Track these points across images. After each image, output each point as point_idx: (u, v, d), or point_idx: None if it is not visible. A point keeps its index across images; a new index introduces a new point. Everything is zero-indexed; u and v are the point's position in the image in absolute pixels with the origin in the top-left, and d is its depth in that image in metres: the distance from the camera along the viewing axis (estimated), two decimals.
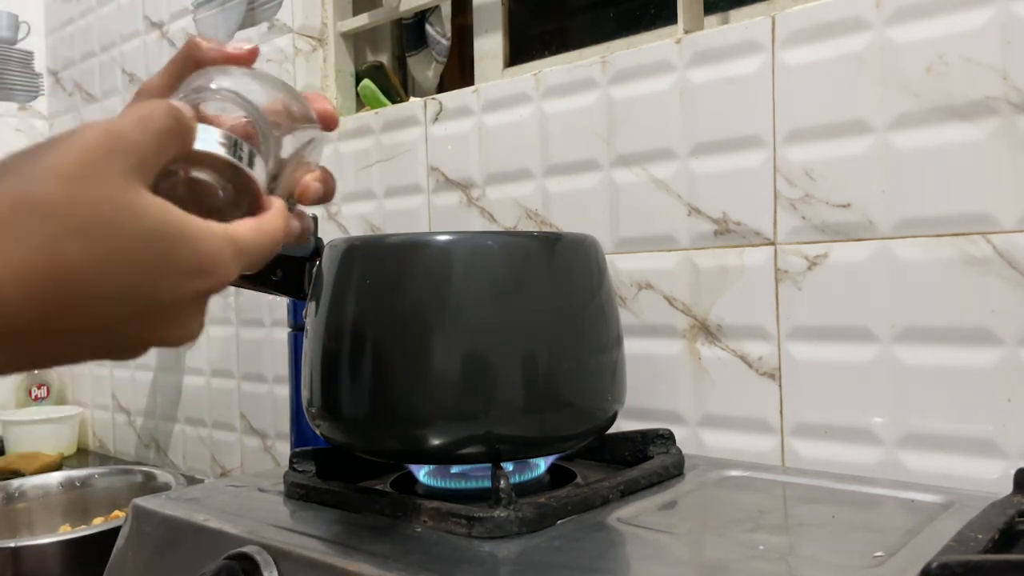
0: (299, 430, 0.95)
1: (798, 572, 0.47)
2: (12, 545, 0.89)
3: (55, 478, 1.17)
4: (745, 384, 0.76)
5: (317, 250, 0.87)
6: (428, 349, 0.57)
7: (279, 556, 0.52)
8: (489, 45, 1.15)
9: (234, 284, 0.47)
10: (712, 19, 0.93)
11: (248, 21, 1.24)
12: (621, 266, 0.84)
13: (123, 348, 0.35)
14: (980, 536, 0.46)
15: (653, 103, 0.82)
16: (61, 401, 1.69)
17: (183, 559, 0.59)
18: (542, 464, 0.67)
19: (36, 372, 1.65)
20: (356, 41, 1.28)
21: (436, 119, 1.02)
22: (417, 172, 1.04)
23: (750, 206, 0.75)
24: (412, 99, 1.09)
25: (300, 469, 0.67)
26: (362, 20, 1.21)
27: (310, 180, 0.45)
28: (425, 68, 1.28)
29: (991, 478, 0.63)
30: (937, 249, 0.66)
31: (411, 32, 1.29)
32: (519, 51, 1.15)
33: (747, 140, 0.75)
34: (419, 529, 0.54)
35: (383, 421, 0.58)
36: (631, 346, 0.70)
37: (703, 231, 0.78)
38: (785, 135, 0.73)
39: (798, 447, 0.73)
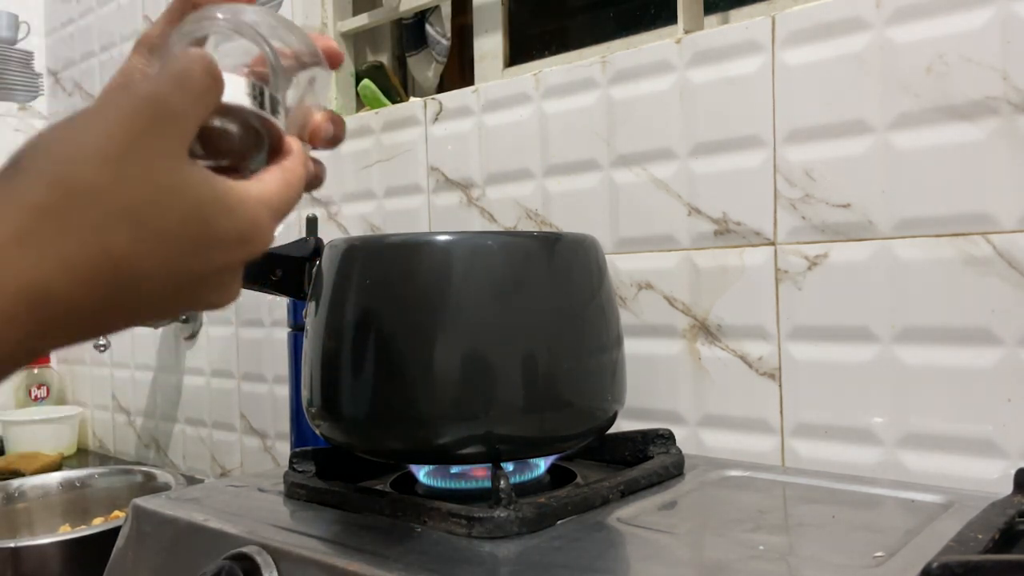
0: (299, 430, 0.95)
1: (798, 572, 0.47)
2: (12, 545, 0.89)
3: (55, 478, 1.17)
4: (745, 384, 0.76)
5: (317, 250, 0.87)
6: (428, 349, 0.57)
7: (279, 556, 0.52)
8: (489, 45, 1.15)
9: None
10: (712, 19, 0.93)
11: None
12: (621, 266, 0.84)
13: (168, 314, 0.36)
14: (980, 536, 0.46)
15: (653, 103, 0.82)
16: (61, 401, 1.69)
17: (183, 559, 0.59)
18: (542, 464, 0.67)
19: (36, 372, 1.65)
20: (356, 41, 1.28)
21: (436, 119, 1.02)
22: (417, 172, 1.04)
23: (750, 206, 0.75)
24: (412, 99, 1.09)
25: (300, 469, 0.67)
26: (362, 20, 1.21)
27: (321, 120, 0.44)
28: (425, 68, 1.28)
29: (991, 478, 0.63)
30: (937, 249, 0.66)
31: (411, 32, 1.29)
32: (519, 51, 1.15)
33: (747, 140, 0.75)
34: (419, 529, 0.54)
35: (383, 421, 0.58)
36: (631, 346, 0.70)
37: (703, 231, 0.78)
38: (785, 135, 0.73)
39: (798, 447, 0.73)
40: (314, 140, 0.44)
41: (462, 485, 0.64)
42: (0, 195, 0.30)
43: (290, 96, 0.41)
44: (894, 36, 0.67)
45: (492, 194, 0.96)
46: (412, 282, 0.58)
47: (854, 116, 0.69)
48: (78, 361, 1.68)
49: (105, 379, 1.61)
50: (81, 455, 1.59)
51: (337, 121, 0.45)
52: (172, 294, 0.34)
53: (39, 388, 1.66)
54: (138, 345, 1.51)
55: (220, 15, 0.40)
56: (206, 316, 1.35)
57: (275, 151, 0.40)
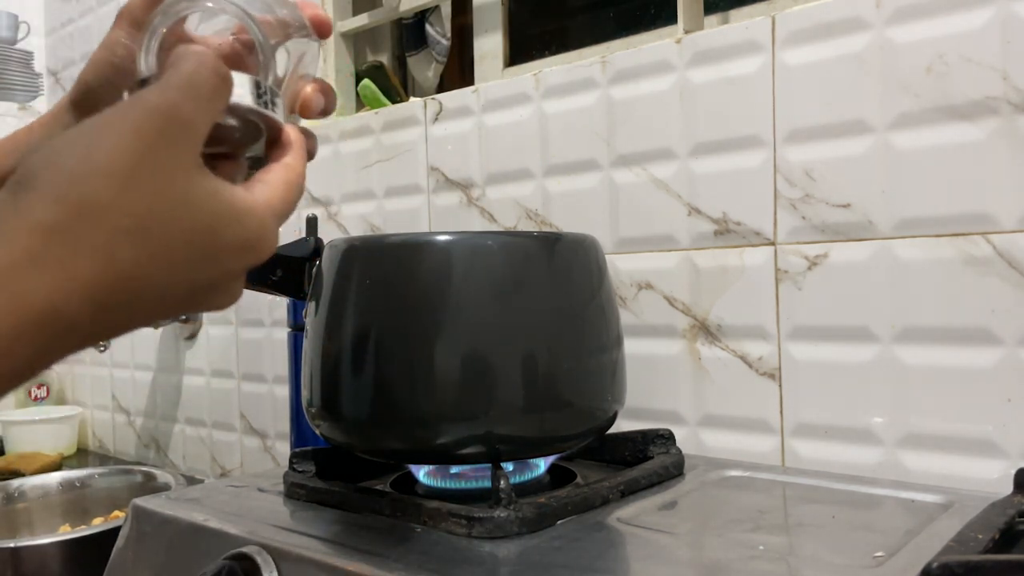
0: (299, 430, 0.95)
1: (798, 572, 0.47)
2: (12, 545, 0.89)
3: (55, 478, 1.17)
4: (745, 384, 0.76)
5: (317, 250, 0.87)
6: (428, 349, 0.57)
7: (279, 556, 0.52)
8: (489, 45, 1.15)
9: None
10: (712, 19, 0.93)
11: None
12: (621, 266, 0.84)
13: (173, 315, 0.36)
14: (980, 536, 0.46)
15: (653, 103, 0.82)
16: (61, 401, 1.69)
17: (183, 559, 0.59)
18: (542, 464, 0.67)
19: None
20: (356, 41, 1.28)
21: (436, 119, 1.02)
22: (417, 172, 1.04)
23: (750, 206, 0.75)
24: (412, 99, 1.09)
25: (300, 469, 0.67)
26: (362, 20, 1.21)
27: (311, 92, 0.44)
28: (425, 68, 1.28)
29: (991, 478, 0.63)
30: (937, 249, 0.66)
31: (411, 32, 1.29)
32: (519, 51, 1.15)
33: (747, 140, 0.75)
34: (419, 529, 0.54)
35: (383, 421, 0.58)
36: (631, 346, 0.70)
37: (703, 231, 0.78)
38: (785, 135, 0.73)
39: (798, 447, 0.73)
40: (305, 112, 0.44)
41: (462, 485, 0.64)
42: (8, 214, 0.29)
43: (280, 67, 0.40)
44: (894, 36, 0.67)
45: (492, 194, 0.96)
46: (412, 282, 0.58)
47: (854, 116, 0.69)
48: (78, 361, 1.68)
49: (105, 379, 1.61)
50: (81, 455, 1.59)
51: (327, 91, 0.45)
52: (178, 302, 0.34)
53: (39, 388, 1.66)
54: (138, 345, 1.51)
55: None
56: (206, 316, 1.35)
57: (273, 141, 0.39)
